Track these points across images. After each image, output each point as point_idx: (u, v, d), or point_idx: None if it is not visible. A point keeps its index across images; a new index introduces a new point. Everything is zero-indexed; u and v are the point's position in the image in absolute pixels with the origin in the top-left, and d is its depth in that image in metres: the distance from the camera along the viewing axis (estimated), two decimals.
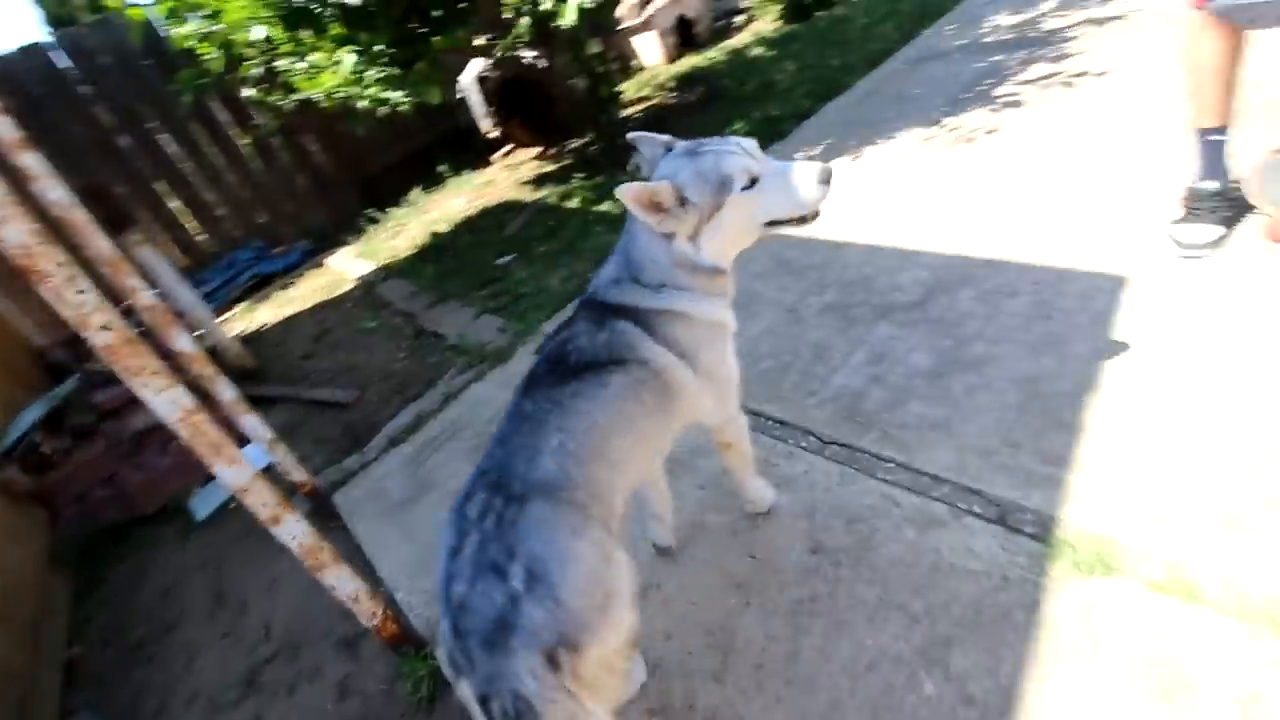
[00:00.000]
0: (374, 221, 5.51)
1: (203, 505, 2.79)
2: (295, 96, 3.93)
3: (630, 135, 1.39)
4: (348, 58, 2.79)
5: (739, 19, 7.29)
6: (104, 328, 1.17)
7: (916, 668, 1.27)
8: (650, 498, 1.63)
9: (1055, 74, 3.32)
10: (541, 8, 2.66)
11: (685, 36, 6.91)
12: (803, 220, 1.27)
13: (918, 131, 3.33)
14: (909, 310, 2.15)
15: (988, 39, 4.16)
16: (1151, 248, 1.99)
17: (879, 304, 2.23)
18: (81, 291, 1.14)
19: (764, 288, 2.53)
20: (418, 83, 2.94)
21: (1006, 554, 1.39)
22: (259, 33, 2.66)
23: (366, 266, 4.68)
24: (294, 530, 1.45)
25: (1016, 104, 3.21)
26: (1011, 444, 1.60)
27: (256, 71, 3.47)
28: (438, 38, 2.91)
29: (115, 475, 2.75)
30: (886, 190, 2.93)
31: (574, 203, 4.11)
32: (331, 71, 3.01)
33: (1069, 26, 3.81)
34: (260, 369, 3.78)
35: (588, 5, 2.74)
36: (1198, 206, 1.93)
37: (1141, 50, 3.19)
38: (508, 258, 3.79)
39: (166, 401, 1.25)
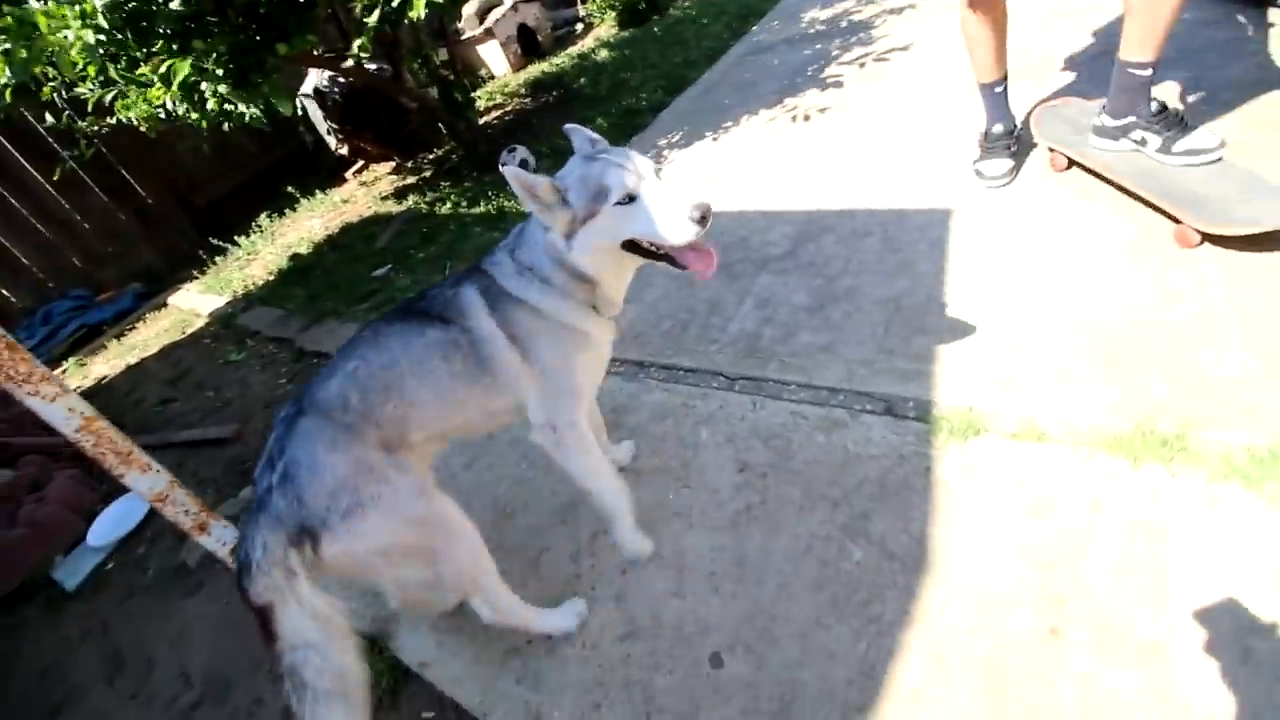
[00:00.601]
0: (220, 253, 5.06)
1: (71, 574, 2.46)
2: (109, 121, 3.56)
3: (566, 127, 1.40)
4: (179, 68, 2.58)
5: (579, 27, 7.52)
6: None
7: (844, 541, 1.46)
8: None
9: (868, 55, 3.81)
10: (391, 3, 2.62)
11: (528, 45, 7.01)
12: (674, 263, 1.27)
13: (763, 113, 3.67)
14: (783, 260, 2.40)
15: (808, 31, 4.66)
16: (964, 183, 2.39)
17: (757, 258, 2.46)
18: None
19: None
20: (267, 92, 2.78)
21: (898, 437, 1.62)
22: (88, 49, 2.34)
23: (218, 300, 4.31)
24: (223, 536, 1.37)
25: (840, 83, 3.64)
26: (886, 351, 1.86)
27: (88, 89, 3.09)
28: (282, 44, 2.78)
29: None
30: (744, 165, 3.21)
31: (446, 208, 4.06)
32: (159, 87, 2.77)
33: (873, 16, 4.37)
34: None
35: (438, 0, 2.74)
36: (992, 146, 2.34)
37: (933, 30, 3.75)
38: (385, 268, 3.67)
39: (61, 410, 1.15)
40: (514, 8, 6.81)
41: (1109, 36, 2.85)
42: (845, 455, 1.64)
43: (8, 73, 2.84)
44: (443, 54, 5.27)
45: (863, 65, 3.74)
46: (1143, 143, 1.94)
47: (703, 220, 1.18)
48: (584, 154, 1.31)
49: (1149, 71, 1.92)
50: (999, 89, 2.31)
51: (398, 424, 1.27)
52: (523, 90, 6.03)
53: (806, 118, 3.43)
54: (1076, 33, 3.05)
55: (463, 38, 6.79)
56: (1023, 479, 1.44)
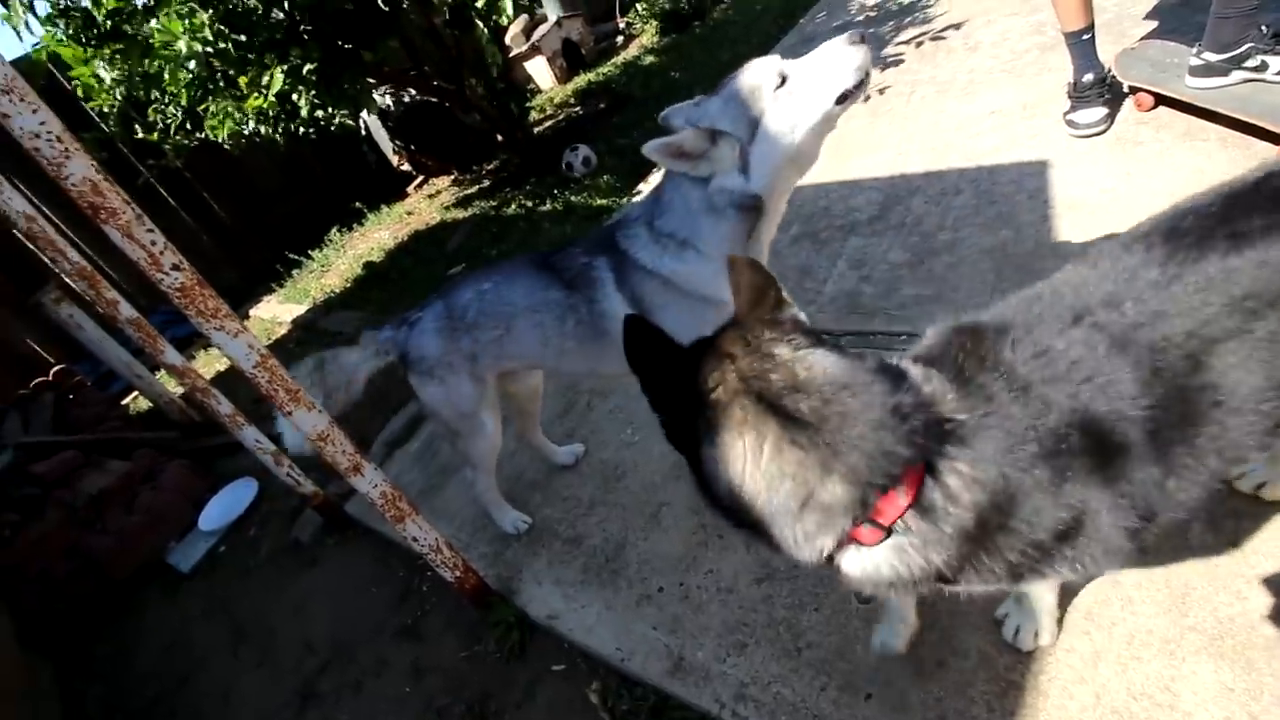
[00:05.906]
0: (295, 266, 5.28)
1: (185, 557, 2.57)
2: (198, 136, 3.77)
3: (663, 114, 1.33)
4: (277, 74, 2.74)
5: (620, 39, 7.67)
6: (175, 268, 1.14)
7: None
8: None
9: (926, 34, 3.78)
10: (477, 4, 2.73)
11: (573, 59, 7.18)
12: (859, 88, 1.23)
13: None
14: (872, 223, 2.38)
15: (858, 17, 4.66)
16: (1054, 136, 2.34)
17: (843, 224, 2.45)
18: (151, 230, 1.10)
19: None
20: (353, 96, 2.92)
21: None
22: (198, 59, 2.49)
23: (298, 309, 4.48)
24: (374, 479, 1.41)
25: (902, 60, 3.62)
26: (1002, 294, 1.81)
27: (173, 112, 3.30)
28: (367, 51, 2.92)
29: (78, 544, 2.48)
30: None
31: (512, 209, 4.16)
32: (257, 96, 2.93)
33: None
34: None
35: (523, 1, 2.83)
36: (1083, 95, 2.28)
37: (987, 5, 3.71)
38: (458, 268, 3.77)
39: (241, 345, 1.21)
40: (558, 23, 7.00)
41: None
42: None
43: (116, 94, 3.05)
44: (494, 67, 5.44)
45: (920, 44, 3.71)
46: (1261, 68, 1.87)
47: (859, 41, 1.19)
48: (695, 103, 1.28)
49: None
50: (1086, 36, 2.26)
51: (493, 347, 1.49)
52: (571, 100, 6.17)
53: (867, 98, 3.41)
54: None
55: (510, 55, 7.00)
56: None
